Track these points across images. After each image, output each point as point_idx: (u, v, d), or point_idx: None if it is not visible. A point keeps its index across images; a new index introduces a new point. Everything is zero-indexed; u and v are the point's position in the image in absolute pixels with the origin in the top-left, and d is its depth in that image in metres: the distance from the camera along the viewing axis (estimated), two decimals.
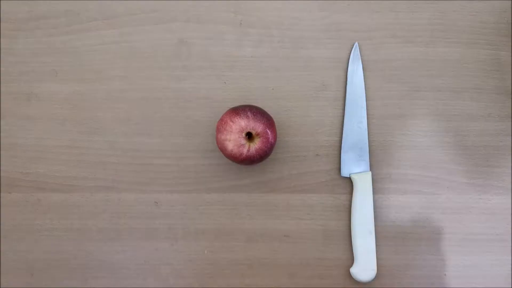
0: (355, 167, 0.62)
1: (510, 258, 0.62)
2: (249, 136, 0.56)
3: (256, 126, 0.55)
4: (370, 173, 0.62)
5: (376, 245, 0.61)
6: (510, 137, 0.63)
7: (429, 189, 0.62)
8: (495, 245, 0.62)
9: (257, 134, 0.56)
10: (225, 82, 0.64)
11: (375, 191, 0.62)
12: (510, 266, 0.62)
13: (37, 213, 0.63)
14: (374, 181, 0.63)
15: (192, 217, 0.62)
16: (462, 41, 0.64)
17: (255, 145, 0.56)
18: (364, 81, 0.64)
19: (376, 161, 0.63)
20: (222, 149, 0.57)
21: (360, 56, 0.63)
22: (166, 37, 0.64)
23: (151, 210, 0.63)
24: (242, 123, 0.55)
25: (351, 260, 0.62)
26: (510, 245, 0.62)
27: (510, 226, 0.62)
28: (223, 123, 0.56)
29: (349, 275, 0.62)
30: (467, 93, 0.64)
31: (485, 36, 0.65)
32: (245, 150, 0.56)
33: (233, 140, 0.55)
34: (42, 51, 0.65)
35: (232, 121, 0.55)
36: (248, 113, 0.56)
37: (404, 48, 0.64)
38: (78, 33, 0.64)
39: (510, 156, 0.63)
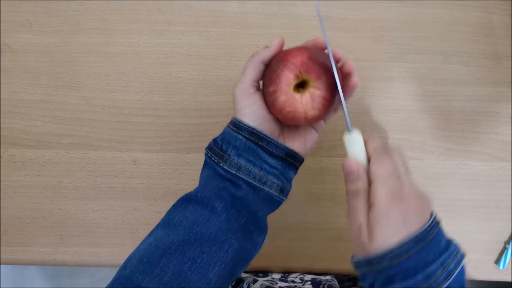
0: None
1: (491, 224, 0.62)
2: (301, 85, 0.43)
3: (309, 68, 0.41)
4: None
5: None
6: (497, 103, 0.62)
7: (413, 154, 0.61)
8: (477, 212, 0.62)
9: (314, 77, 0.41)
10: (208, 38, 0.61)
11: None
12: (491, 232, 0.62)
13: (11, 169, 0.61)
14: None
15: (171, 177, 0.61)
16: (453, 3, 0.62)
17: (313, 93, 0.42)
18: (353, 42, 0.62)
19: (361, 124, 0.61)
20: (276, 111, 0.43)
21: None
22: None
23: (129, 169, 0.61)
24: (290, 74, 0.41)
25: (332, 224, 0.61)
26: (491, 211, 0.62)
27: (492, 193, 0.62)
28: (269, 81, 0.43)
29: (330, 239, 0.61)
30: (456, 57, 0.62)
31: None
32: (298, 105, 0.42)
33: (284, 92, 0.42)
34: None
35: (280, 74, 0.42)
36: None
37: (394, 8, 0.62)
38: None
39: (497, 123, 0.62)
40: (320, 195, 0.61)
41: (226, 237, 0.42)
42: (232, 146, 0.44)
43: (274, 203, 0.45)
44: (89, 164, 0.61)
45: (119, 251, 0.60)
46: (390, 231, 0.38)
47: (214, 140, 0.46)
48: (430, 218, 0.39)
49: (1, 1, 0.61)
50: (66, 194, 0.60)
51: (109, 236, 0.61)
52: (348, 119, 0.41)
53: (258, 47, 0.61)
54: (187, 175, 0.61)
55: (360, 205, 0.40)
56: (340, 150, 0.61)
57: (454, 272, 0.38)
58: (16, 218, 0.61)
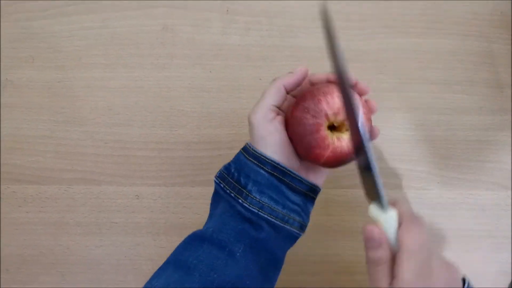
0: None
1: (499, 255, 0.61)
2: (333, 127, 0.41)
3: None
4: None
5: None
6: (501, 131, 0.62)
7: (419, 184, 0.61)
8: (484, 242, 0.61)
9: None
10: (210, 71, 0.61)
11: None
12: (499, 263, 0.61)
13: (12, 205, 0.60)
14: None
15: (175, 211, 0.60)
16: (454, 33, 0.63)
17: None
18: (355, 73, 0.62)
19: None
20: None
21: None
22: (149, 23, 0.62)
23: (132, 204, 0.60)
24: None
25: (338, 257, 0.60)
26: (499, 242, 0.61)
27: (500, 223, 0.61)
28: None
29: (335, 272, 0.60)
30: (459, 86, 0.62)
31: (478, 27, 0.63)
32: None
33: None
34: (18, 36, 0.61)
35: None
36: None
37: (396, 39, 0.62)
38: (56, 17, 0.61)
39: (501, 151, 0.62)
40: (325, 227, 0.60)
41: (245, 285, 0.39)
42: (253, 181, 0.40)
43: (292, 240, 0.43)
44: (91, 199, 0.60)
45: None
46: None
47: (227, 169, 0.43)
48: None
49: (4, 38, 0.61)
50: (68, 230, 0.60)
51: (111, 272, 0.60)
52: (384, 196, 0.36)
53: (260, 79, 0.61)
54: (191, 209, 0.60)
55: (382, 274, 0.36)
56: (345, 181, 0.60)
57: None
58: (17, 255, 0.59)
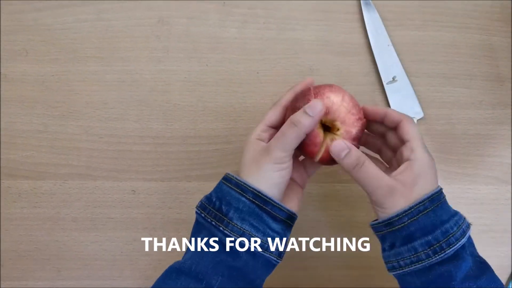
0: None
1: (499, 249, 0.60)
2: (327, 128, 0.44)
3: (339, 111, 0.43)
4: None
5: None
6: (501, 125, 0.61)
7: None
8: (484, 236, 0.60)
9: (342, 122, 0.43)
10: (207, 65, 0.61)
11: None
12: (498, 257, 0.60)
13: (7, 201, 0.59)
14: None
15: (171, 206, 0.60)
16: (454, 25, 0.62)
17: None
18: (353, 66, 0.61)
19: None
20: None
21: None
22: (145, 15, 0.61)
23: (128, 199, 0.59)
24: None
25: (336, 252, 0.60)
26: (499, 236, 0.61)
27: (499, 217, 0.60)
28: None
29: (335, 267, 0.60)
30: (458, 80, 0.62)
31: (478, 20, 0.62)
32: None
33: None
34: (12, 28, 0.61)
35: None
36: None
37: (394, 31, 0.62)
38: (50, 9, 0.60)
39: (501, 145, 0.61)
40: (323, 221, 0.60)
41: None
42: (234, 209, 0.41)
43: (270, 267, 0.44)
44: (87, 195, 0.59)
45: (118, 283, 0.59)
46: (428, 185, 0.41)
47: (208, 199, 0.43)
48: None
49: None
50: (64, 226, 0.59)
51: (108, 268, 0.59)
52: None
53: (257, 73, 0.61)
54: (187, 203, 0.59)
55: (373, 169, 0.41)
56: (343, 175, 0.60)
57: (467, 232, 0.41)
58: (12, 251, 0.59)
